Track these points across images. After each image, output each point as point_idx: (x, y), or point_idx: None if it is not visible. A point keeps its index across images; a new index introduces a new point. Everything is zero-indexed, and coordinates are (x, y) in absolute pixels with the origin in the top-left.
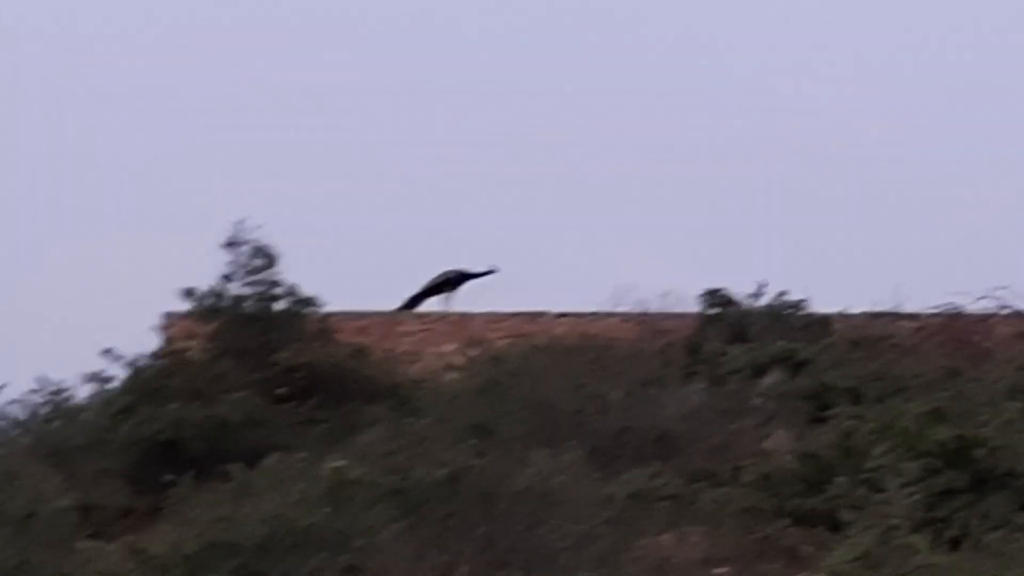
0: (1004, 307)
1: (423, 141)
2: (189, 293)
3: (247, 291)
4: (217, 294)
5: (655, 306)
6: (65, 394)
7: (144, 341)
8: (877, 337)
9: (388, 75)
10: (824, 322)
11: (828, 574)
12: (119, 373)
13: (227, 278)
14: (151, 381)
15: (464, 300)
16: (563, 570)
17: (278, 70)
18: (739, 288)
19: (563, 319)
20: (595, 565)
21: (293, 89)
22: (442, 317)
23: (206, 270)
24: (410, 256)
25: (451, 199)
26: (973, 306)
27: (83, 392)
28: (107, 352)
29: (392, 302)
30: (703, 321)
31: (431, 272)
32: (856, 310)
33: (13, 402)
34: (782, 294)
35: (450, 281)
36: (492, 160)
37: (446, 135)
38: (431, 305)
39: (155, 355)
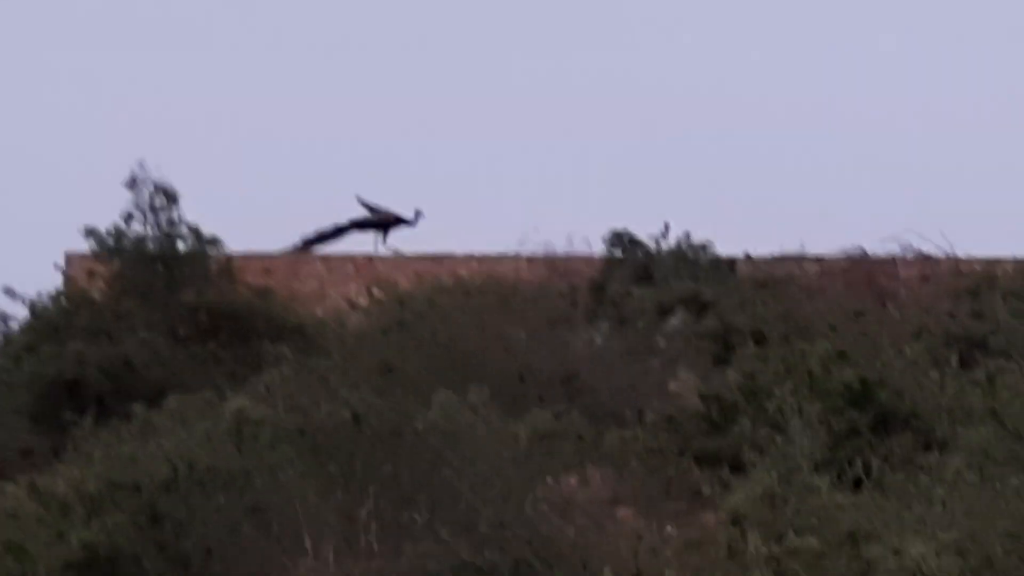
0: (909, 249)
1: (329, 79)
2: (91, 233)
3: (149, 231)
4: (119, 234)
5: (561, 248)
6: None
7: (45, 281)
8: (782, 279)
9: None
10: (729, 264)
11: (730, 513)
12: (20, 313)
13: (129, 218)
14: (53, 320)
15: (368, 241)
16: (467, 509)
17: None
18: (645, 230)
19: (469, 261)
20: (499, 505)
21: (191, 22)
22: (347, 259)
23: (108, 210)
24: (316, 196)
25: (356, 140)
26: (878, 249)
27: None
28: (7, 291)
29: (294, 242)
30: (608, 263)
31: (336, 213)
32: (761, 252)
33: None
34: (687, 236)
35: (384, 223)
36: (398, 100)
37: (353, 73)
38: (345, 244)
39: (57, 295)
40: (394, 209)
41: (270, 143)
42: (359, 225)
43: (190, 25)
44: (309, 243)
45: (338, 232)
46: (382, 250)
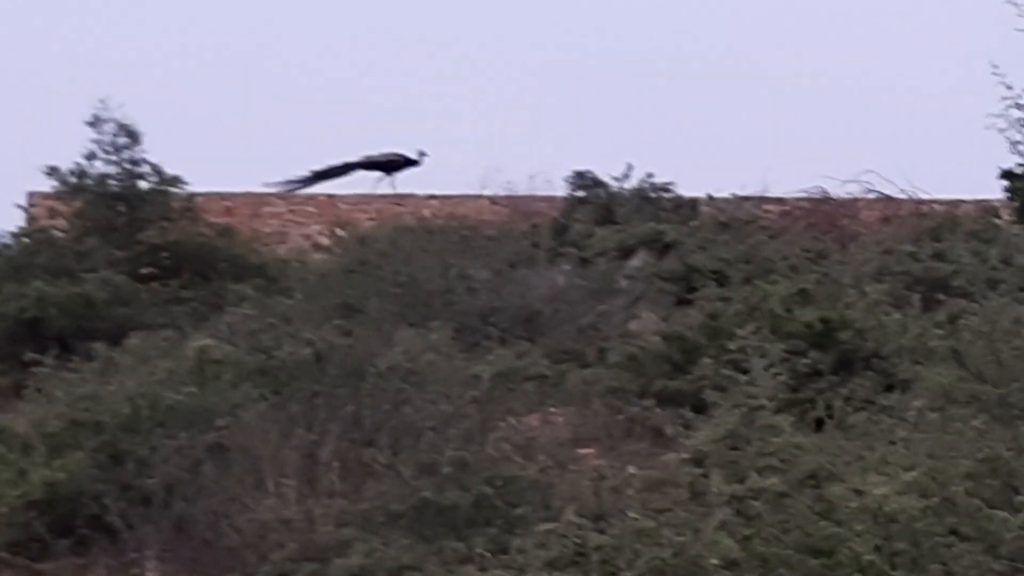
0: (870, 191)
1: (294, 14)
2: (52, 171)
3: (112, 170)
4: (81, 172)
5: (523, 188)
6: None
7: (6, 220)
8: (744, 220)
9: None
10: (691, 205)
11: (692, 453)
12: None
13: (91, 156)
14: (14, 259)
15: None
16: (429, 448)
17: None
18: (607, 170)
19: (431, 201)
20: (461, 444)
21: None
22: (309, 198)
23: (69, 148)
24: (279, 138)
25: (317, 78)
26: (840, 190)
27: None
28: None
29: (302, 174)
30: (570, 203)
31: (297, 154)
32: (723, 193)
33: None
34: (650, 176)
35: (394, 163)
36: (360, 39)
37: (313, 11)
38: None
39: (18, 233)
40: (401, 151)
41: (233, 80)
42: (368, 165)
43: None
44: (317, 177)
45: (347, 169)
46: (389, 190)
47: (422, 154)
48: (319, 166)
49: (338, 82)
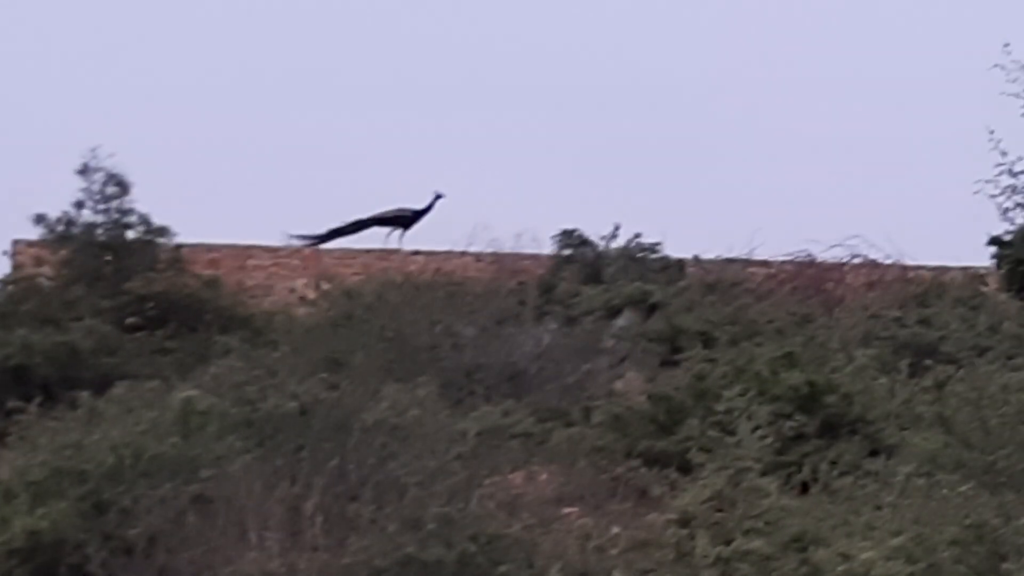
0: (856, 255)
1: (278, 73)
2: (40, 219)
3: (99, 219)
4: (69, 221)
5: (509, 246)
6: None
7: None
8: (730, 282)
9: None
10: (678, 266)
11: (678, 514)
12: None
13: (79, 205)
14: (0, 307)
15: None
16: (413, 504)
17: None
18: (594, 229)
19: (416, 256)
20: (446, 500)
21: (141, 11)
22: (294, 252)
23: (58, 197)
24: (267, 191)
25: (305, 134)
26: (825, 254)
27: None
28: None
29: (246, 234)
30: (557, 261)
31: (284, 207)
32: (710, 255)
33: None
34: (637, 236)
35: (402, 219)
36: (348, 97)
37: (298, 68)
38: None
39: (4, 281)
40: (411, 205)
41: (220, 134)
42: (377, 222)
43: (140, 14)
44: (328, 236)
45: (356, 227)
46: (402, 246)
47: (438, 196)
48: (329, 226)
49: (326, 137)
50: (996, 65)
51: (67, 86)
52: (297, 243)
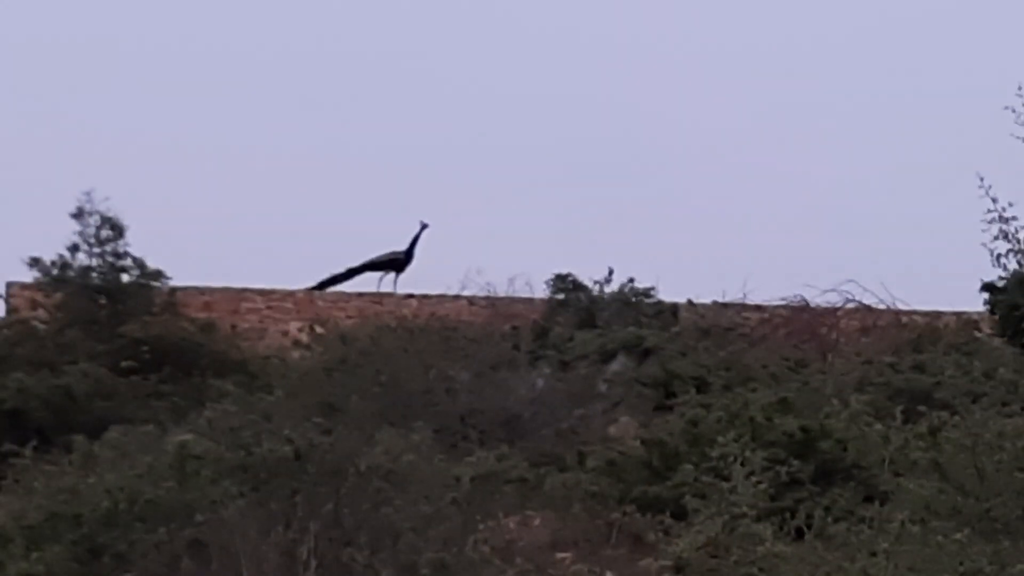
0: (850, 300)
1: (265, 114)
2: (35, 262)
3: (94, 262)
4: (64, 264)
5: (503, 290)
6: None
7: None
8: (725, 327)
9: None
10: (672, 310)
11: (673, 560)
12: None
13: (74, 248)
14: None
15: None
16: (408, 550)
17: (124, 34)
18: (588, 274)
19: (410, 300)
20: (440, 546)
21: (132, 54)
22: (287, 295)
23: (53, 240)
24: (259, 234)
25: (295, 181)
26: (820, 299)
27: None
28: None
29: (239, 278)
30: (551, 306)
31: (276, 249)
32: (704, 300)
33: None
34: (631, 281)
35: (395, 262)
36: (338, 142)
37: (288, 114)
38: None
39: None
40: (402, 248)
41: (213, 174)
42: (370, 267)
43: (132, 58)
44: (324, 284)
45: (350, 274)
46: (396, 290)
47: (424, 226)
48: (322, 276)
49: (317, 180)
50: (1007, 107)
51: (62, 129)
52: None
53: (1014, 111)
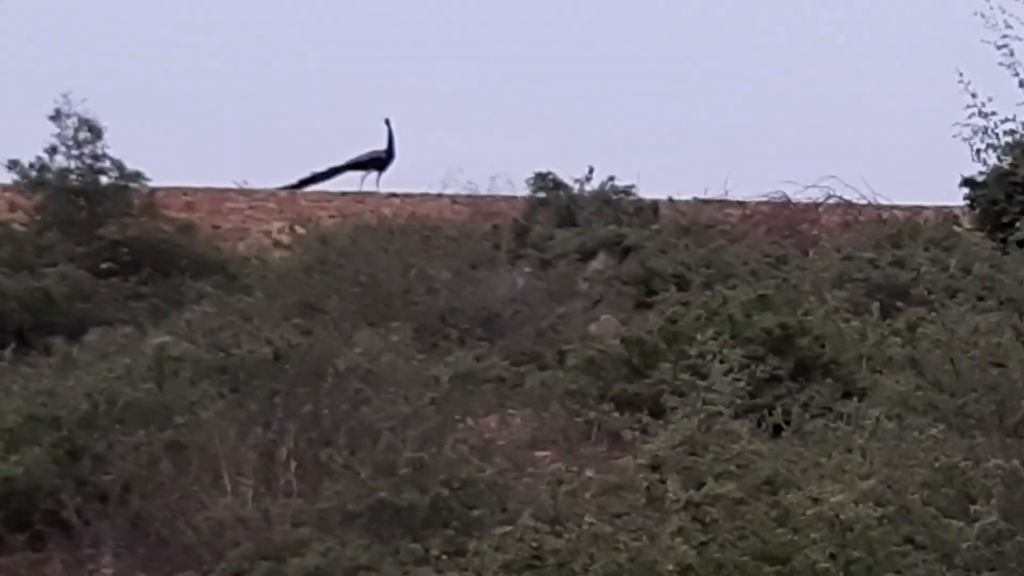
0: (831, 196)
1: (247, 15)
2: (13, 165)
3: (73, 164)
4: (42, 166)
5: (484, 189)
6: None
7: None
8: (705, 224)
9: None
10: (653, 208)
11: (650, 459)
12: None
13: (52, 150)
14: None
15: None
16: (387, 449)
17: None
18: (568, 172)
19: (392, 199)
20: (419, 445)
21: None
22: (270, 195)
23: (30, 142)
24: (242, 132)
25: (277, 74)
26: (801, 195)
27: None
28: None
29: (219, 178)
30: (532, 204)
31: (258, 148)
32: (685, 197)
33: None
34: (611, 179)
35: (377, 161)
36: (317, 36)
37: (270, 9)
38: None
39: None
40: (379, 147)
41: (196, 74)
42: (353, 166)
43: None
44: (304, 183)
45: (332, 173)
46: (379, 188)
47: (387, 121)
48: (304, 174)
49: (298, 78)
50: (976, 12)
51: (38, 30)
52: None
53: (983, 16)
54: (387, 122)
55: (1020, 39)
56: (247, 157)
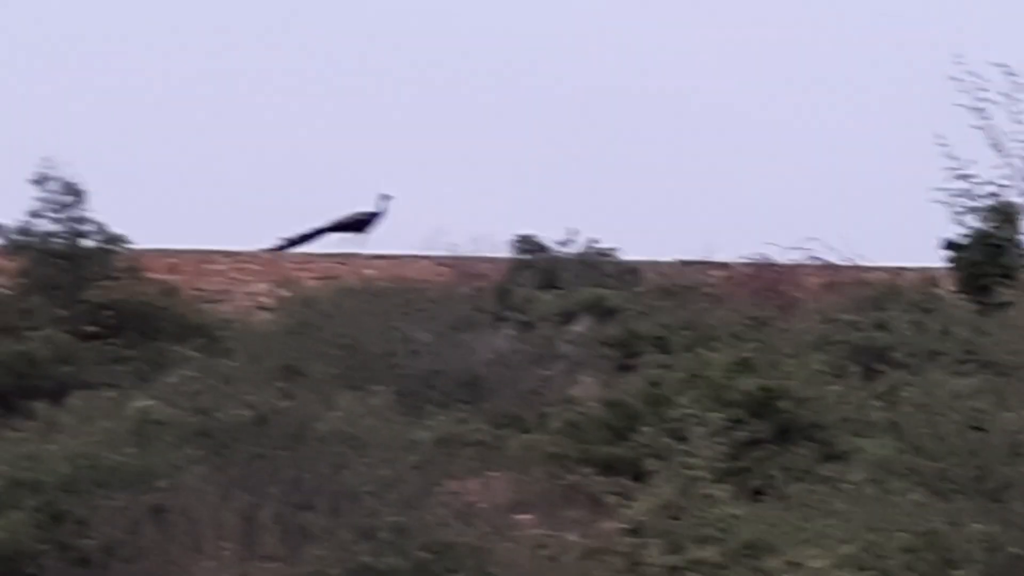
0: (813, 258)
1: (230, 77)
2: None
3: (56, 228)
4: (25, 230)
5: (467, 250)
6: None
7: None
8: (687, 286)
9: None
10: (634, 270)
11: (630, 523)
12: None
13: (35, 214)
14: None
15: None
16: (368, 513)
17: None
18: (550, 234)
19: (375, 261)
20: (400, 509)
21: (93, 21)
22: (253, 256)
23: (14, 206)
24: (226, 193)
25: (262, 139)
26: (783, 256)
27: None
28: None
29: (203, 239)
30: (514, 266)
31: (243, 211)
32: (667, 258)
33: None
34: (593, 241)
35: (360, 223)
36: (306, 101)
37: (255, 72)
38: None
39: None
40: (365, 209)
41: (180, 139)
42: (337, 227)
43: (91, 24)
44: (287, 245)
45: (317, 234)
46: (362, 251)
47: (386, 198)
48: (289, 234)
49: (283, 141)
50: (952, 77)
51: (21, 94)
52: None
53: (958, 79)
54: (385, 197)
55: (994, 103)
56: (231, 219)
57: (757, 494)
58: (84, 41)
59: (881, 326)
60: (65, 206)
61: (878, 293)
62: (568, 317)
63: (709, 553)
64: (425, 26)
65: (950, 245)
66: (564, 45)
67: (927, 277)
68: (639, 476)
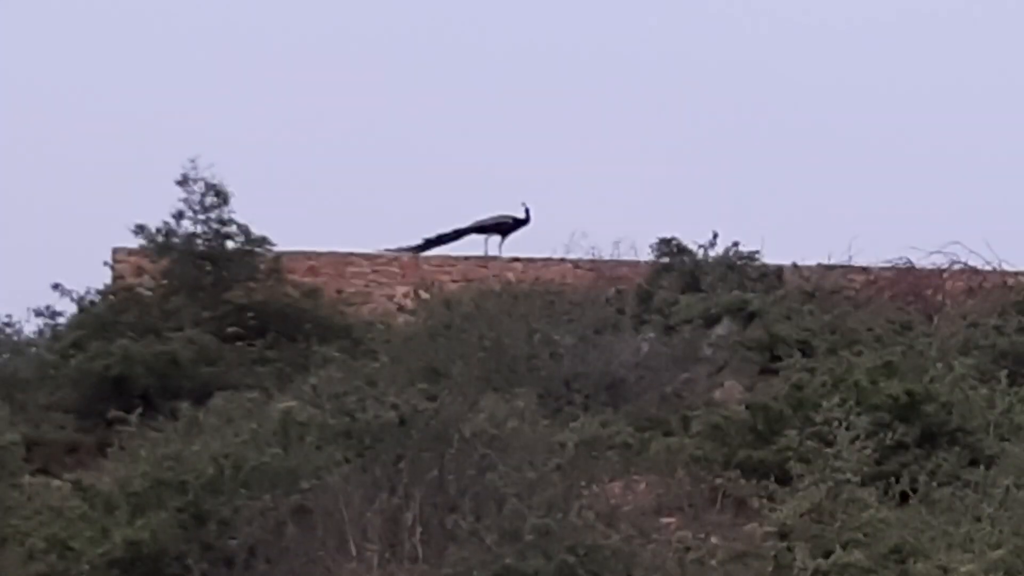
0: (956, 262)
1: (374, 80)
2: (140, 229)
3: (199, 229)
4: (169, 231)
5: (608, 253)
6: (13, 328)
7: (94, 277)
8: (830, 289)
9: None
10: (777, 273)
11: (777, 526)
12: (68, 308)
13: (179, 215)
14: (101, 316)
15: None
16: (512, 516)
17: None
18: (692, 238)
19: (515, 264)
20: (544, 511)
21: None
22: (393, 259)
23: (158, 207)
24: (368, 197)
25: (404, 140)
26: (925, 260)
27: (32, 326)
28: (56, 287)
29: (345, 242)
30: (656, 270)
31: (384, 214)
32: (809, 262)
33: None
34: (735, 245)
35: (502, 226)
36: (448, 101)
37: (397, 74)
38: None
39: (105, 291)
40: (509, 213)
41: (321, 139)
42: (477, 229)
43: (234, 26)
44: (428, 245)
45: (457, 235)
46: (501, 253)
47: (527, 210)
48: (429, 235)
49: (426, 144)
50: None
51: (167, 97)
52: (394, 253)
53: None
54: (526, 209)
55: None
56: (371, 221)
57: (903, 498)
58: (228, 43)
59: None
60: (209, 208)
61: (1022, 297)
62: (710, 320)
63: (857, 557)
64: (571, 31)
65: None
66: (715, 39)
67: None
68: (784, 480)
